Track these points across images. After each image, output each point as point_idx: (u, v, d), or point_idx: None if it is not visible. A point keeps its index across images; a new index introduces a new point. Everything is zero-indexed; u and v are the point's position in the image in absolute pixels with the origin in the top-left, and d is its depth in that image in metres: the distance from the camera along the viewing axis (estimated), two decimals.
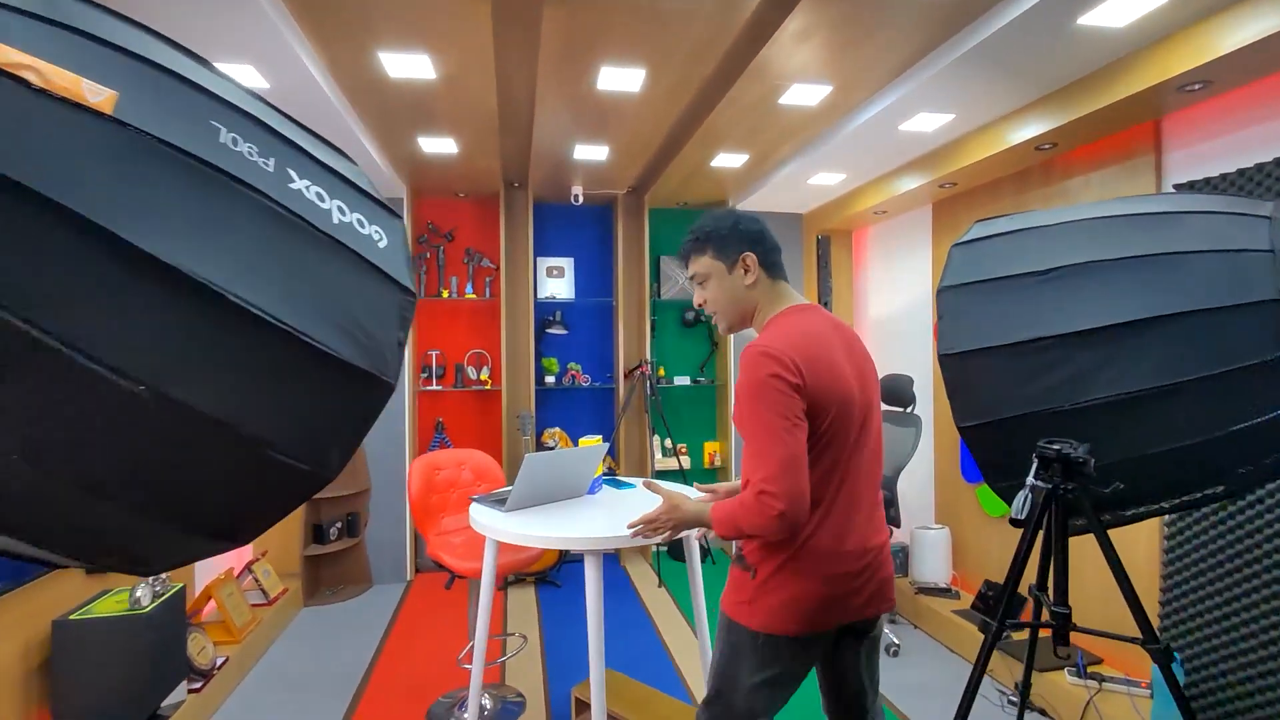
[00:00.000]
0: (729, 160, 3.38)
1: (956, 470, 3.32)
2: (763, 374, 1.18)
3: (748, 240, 1.34)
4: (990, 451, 1.49)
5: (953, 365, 1.51)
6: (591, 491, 2.11)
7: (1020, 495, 1.22)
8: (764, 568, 1.26)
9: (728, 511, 1.20)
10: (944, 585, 3.24)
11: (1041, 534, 1.47)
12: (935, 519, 3.50)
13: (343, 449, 1.05)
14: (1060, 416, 1.36)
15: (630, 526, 1.45)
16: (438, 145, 3.11)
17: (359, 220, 1.10)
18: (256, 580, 3.15)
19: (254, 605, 3.09)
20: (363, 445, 3.89)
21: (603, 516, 1.85)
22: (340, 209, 1.08)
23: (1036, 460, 1.26)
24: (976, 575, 3.21)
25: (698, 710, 1.36)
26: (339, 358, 0.96)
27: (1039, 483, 1.25)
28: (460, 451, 2.61)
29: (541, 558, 3.64)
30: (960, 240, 1.68)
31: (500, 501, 1.94)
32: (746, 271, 1.33)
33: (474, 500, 2.02)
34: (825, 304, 4.21)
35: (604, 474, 2.13)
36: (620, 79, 2.42)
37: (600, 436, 2.22)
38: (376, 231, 1.12)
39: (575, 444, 4.41)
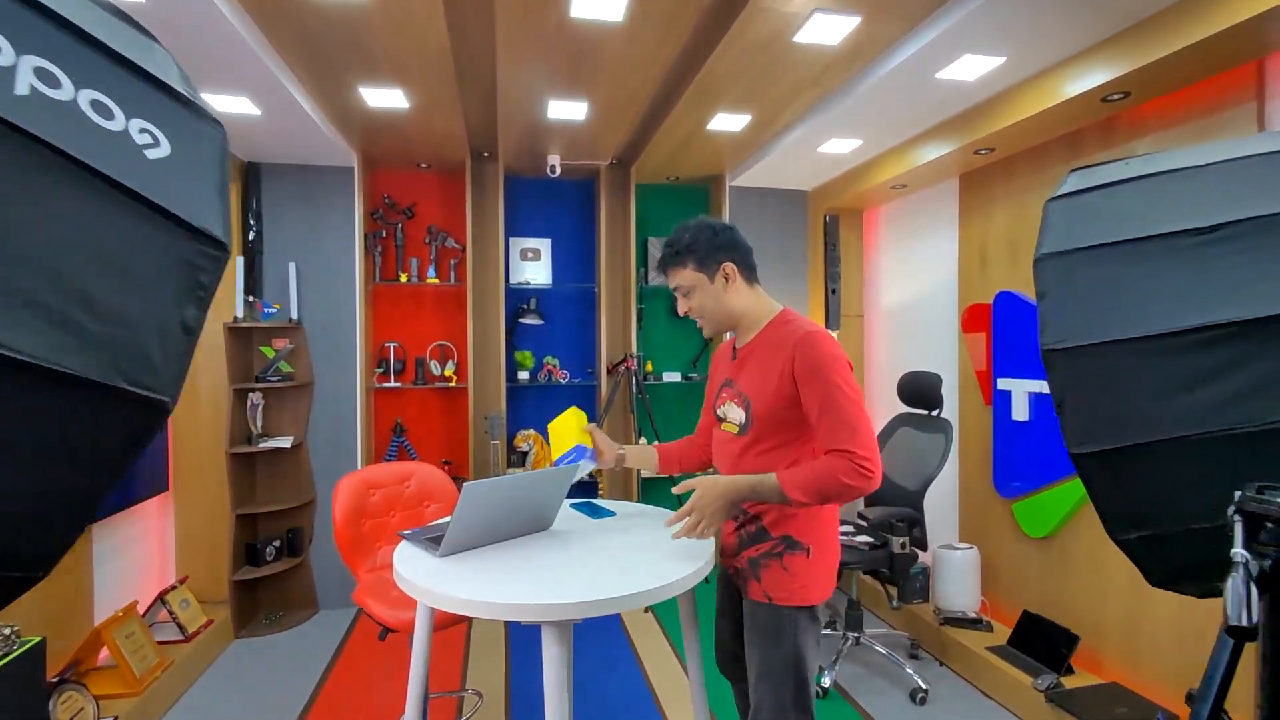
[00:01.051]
0: (728, 122, 2.92)
1: (986, 481, 2.90)
2: (841, 352, 1.32)
3: (725, 250, 1.42)
4: (1121, 491, 1.04)
5: (1063, 365, 1.07)
6: (561, 462, 1.67)
7: (1235, 583, 0.74)
8: (815, 542, 1.37)
9: (812, 478, 1.26)
10: (973, 615, 2.82)
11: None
12: (960, 537, 3.08)
13: (51, 535, 0.58)
14: (1239, 442, 0.92)
15: (670, 525, 1.41)
16: (384, 98, 2.62)
17: (117, 114, 0.63)
18: (171, 613, 2.67)
19: (165, 643, 2.61)
20: (305, 448, 3.43)
21: (573, 565, 1.39)
22: (95, 104, 0.61)
23: (1239, 520, 0.79)
24: (1010, 604, 2.79)
25: (789, 715, 1.34)
26: (16, 358, 0.50)
27: (1250, 557, 0.77)
28: (404, 465, 2.14)
29: None
30: (1057, 194, 1.25)
31: (436, 540, 1.48)
32: (728, 280, 1.42)
33: (403, 537, 1.55)
34: (833, 291, 3.76)
35: (580, 454, 1.68)
36: (599, 4, 1.94)
37: (575, 407, 1.79)
38: (147, 134, 0.64)
39: (547, 441, 3.96)
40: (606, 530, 1.64)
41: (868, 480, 1.24)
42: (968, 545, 2.91)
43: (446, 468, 3.58)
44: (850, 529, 2.73)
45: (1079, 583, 2.47)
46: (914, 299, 3.45)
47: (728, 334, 1.57)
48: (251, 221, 3.16)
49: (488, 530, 1.49)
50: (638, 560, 1.41)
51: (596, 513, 1.78)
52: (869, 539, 2.61)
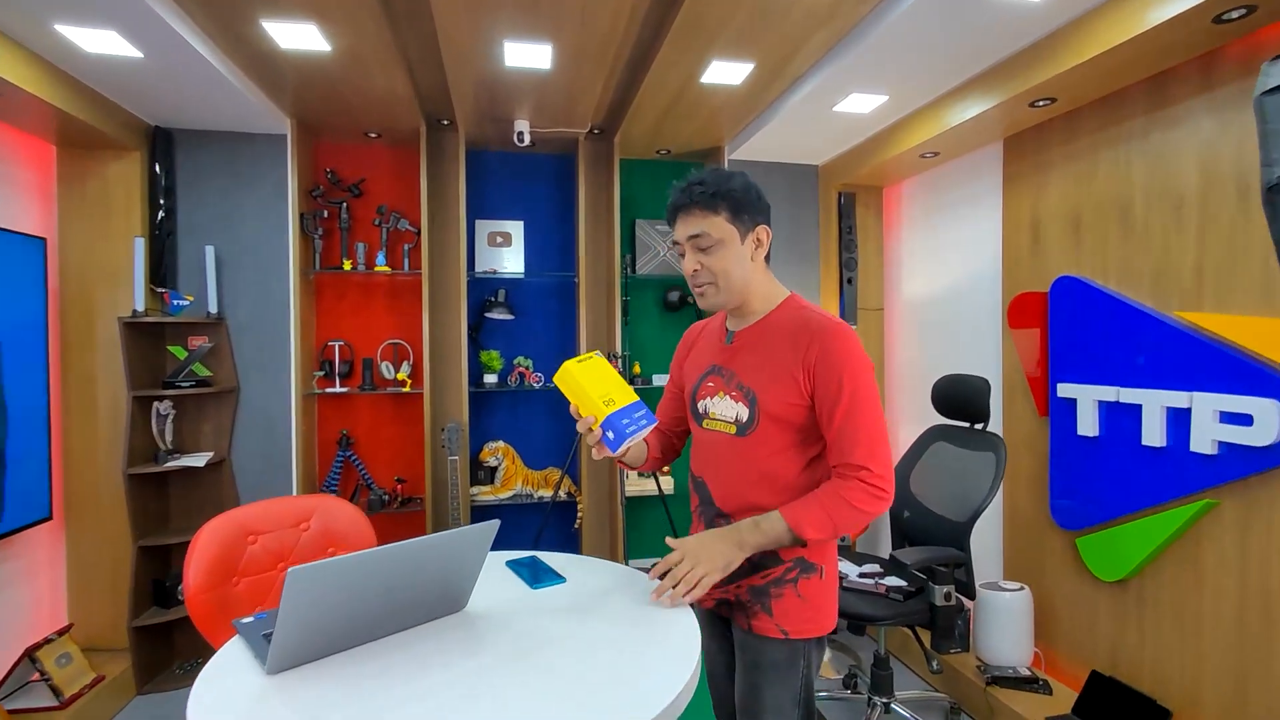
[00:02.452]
0: (726, 73, 2.41)
1: (1041, 508, 2.39)
2: (866, 357, 1.15)
3: (763, 212, 1.22)
4: None
5: None
6: (613, 442, 1.16)
7: None
8: (827, 559, 1.22)
9: (825, 511, 1.10)
10: (1025, 672, 2.31)
11: None
12: (1006, 574, 2.57)
13: None
14: None
15: (653, 582, 1.19)
16: (297, 36, 2.12)
17: None
18: (43, 673, 2.18)
19: (39, 711, 2.12)
20: (229, 466, 2.91)
21: (496, 685, 0.89)
22: None
23: None
24: (1072, 659, 2.28)
25: None
26: None
27: None
28: (299, 501, 1.64)
29: None
30: (1267, 89, 0.73)
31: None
32: (758, 247, 1.21)
33: (237, 629, 1.05)
34: (848, 281, 3.25)
35: (643, 415, 1.20)
36: None
37: (596, 351, 1.41)
38: None
39: (521, 461, 3.46)
40: (553, 610, 1.14)
41: (882, 504, 1.11)
42: (1017, 585, 2.40)
43: (400, 486, 3.09)
44: (876, 570, 2.22)
45: (1167, 639, 1.96)
46: (946, 289, 2.94)
47: (718, 312, 1.33)
48: (160, 198, 2.66)
49: (349, 628, 0.99)
50: (605, 670, 0.92)
51: (539, 576, 1.27)
52: (900, 583, 2.11)
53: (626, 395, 1.18)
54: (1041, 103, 2.18)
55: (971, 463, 2.16)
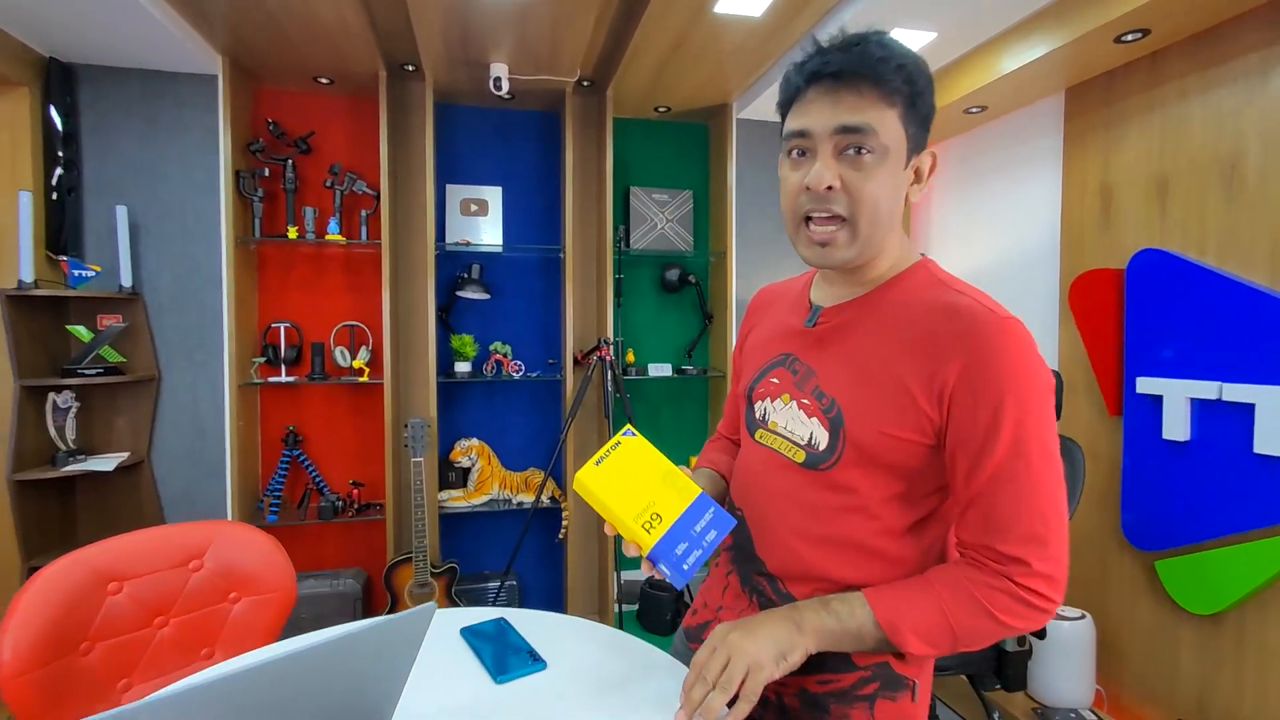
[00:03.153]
0: (739, 2, 2.00)
1: (1109, 525, 2.04)
2: (1048, 376, 0.69)
3: (929, 123, 0.76)
4: None
5: None
6: (674, 577, 0.75)
7: None
8: (923, 673, 0.80)
9: (941, 612, 0.69)
10: (1087, 715, 1.97)
11: None
12: (1065, 599, 2.22)
13: None
14: None
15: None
16: None
17: None
18: None
19: None
20: (148, 470, 2.41)
21: None
22: None
23: None
24: (1142, 699, 1.94)
25: None
26: None
27: None
28: (187, 530, 1.23)
29: None
30: None
31: None
32: (916, 182, 0.77)
33: None
34: None
35: (714, 516, 0.80)
36: None
37: (631, 425, 1.06)
38: None
39: (499, 461, 3.03)
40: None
41: (1043, 617, 0.69)
42: (1078, 613, 2.05)
43: (358, 491, 2.67)
44: None
45: (1276, 688, 1.62)
46: (985, 269, 2.57)
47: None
48: (58, 147, 2.20)
49: None
50: None
51: (506, 659, 0.88)
52: None
53: (679, 498, 0.78)
54: (1130, 36, 1.79)
55: None
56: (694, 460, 1.03)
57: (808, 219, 0.74)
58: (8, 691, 0.97)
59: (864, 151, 0.71)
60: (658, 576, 0.77)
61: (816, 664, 0.77)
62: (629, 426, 0.85)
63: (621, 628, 2.55)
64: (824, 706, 0.79)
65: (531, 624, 0.99)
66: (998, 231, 2.51)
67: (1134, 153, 1.97)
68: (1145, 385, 1.88)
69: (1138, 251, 1.92)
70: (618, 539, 0.80)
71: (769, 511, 0.82)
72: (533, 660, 0.87)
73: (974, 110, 2.38)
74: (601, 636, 0.97)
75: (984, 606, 0.68)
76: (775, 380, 0.85)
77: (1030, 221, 2.36)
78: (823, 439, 0.77)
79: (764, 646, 0.71)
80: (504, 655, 0.88)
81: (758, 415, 0.87)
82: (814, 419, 0.78)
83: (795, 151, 0.76)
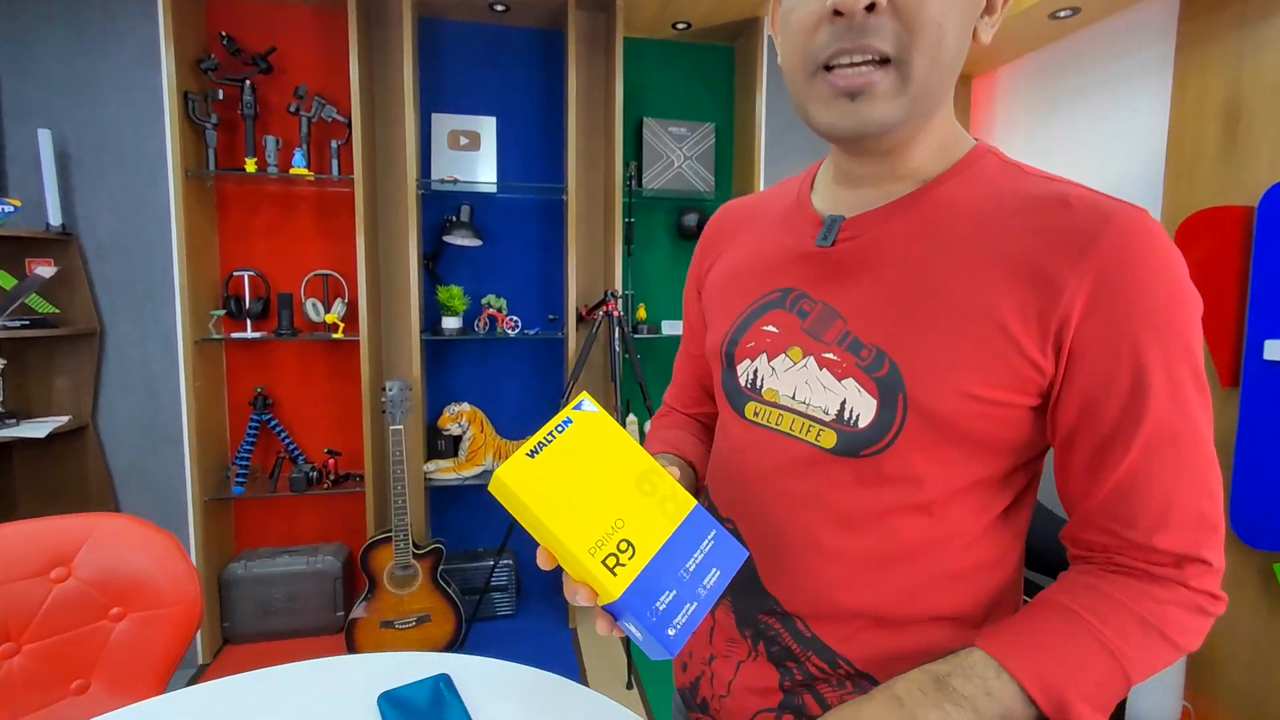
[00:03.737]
0: None
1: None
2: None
3: None
4: None
5: None
6: (649, 645, 0.46)
7: None
8: None
9: (1111, 656, 0.46)
10: None
11: None
12: None
13: None
14: None
15: None
16: None
17: None
18: None
19: None
20: (93, 435, 1.92)
21: None
22: None
23: None
24: (1239, 718, 1.65)
25: None
26: None
27: None
28: (55, 525, 0.93)
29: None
30: None
31: None
32: (989, 10, 0.51)
33: None
34: None
35: (717, 541, 0.50)
36: None
37: (590, 398, 0.66)
38: None
39: (493, 429, 2.72)
40: None
41: (1209, 622, 0.49)
42: None
43: (334, 461, 2.39)
44: None
45: None
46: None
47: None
48: None
49: None
50: None
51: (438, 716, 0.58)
52: None
53: (663, 514, 0.49)
54: None
55: None
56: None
57: (829, 66, 0.49)
58: None
59: None
60: (619, 634, 0.49)
61: None
62: (585, 396, 0.52)
63: (632, 646, 2.29)
64: None
65: (483, 684, 0.69)
66: (1079, 168, 2.11)
67: (1274, 61, 1.56)
68: (1275, 350, 1.52)
69: (1274, 185, 1.53)
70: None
71: (780, 523, 0.56)
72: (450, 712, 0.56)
73: (1063, 14, 1.96)
74: (576, 705, 0.67)
75: (1159, 631, 0.47)
76: (772, 328, 0.58)
77: (1125, 151, 1.96)
78: (867, 410, 0.52)
79: None
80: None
81: (744, 383, 0.60)
82: (849, 380, 0.53)
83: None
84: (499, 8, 2.35)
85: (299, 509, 2.46)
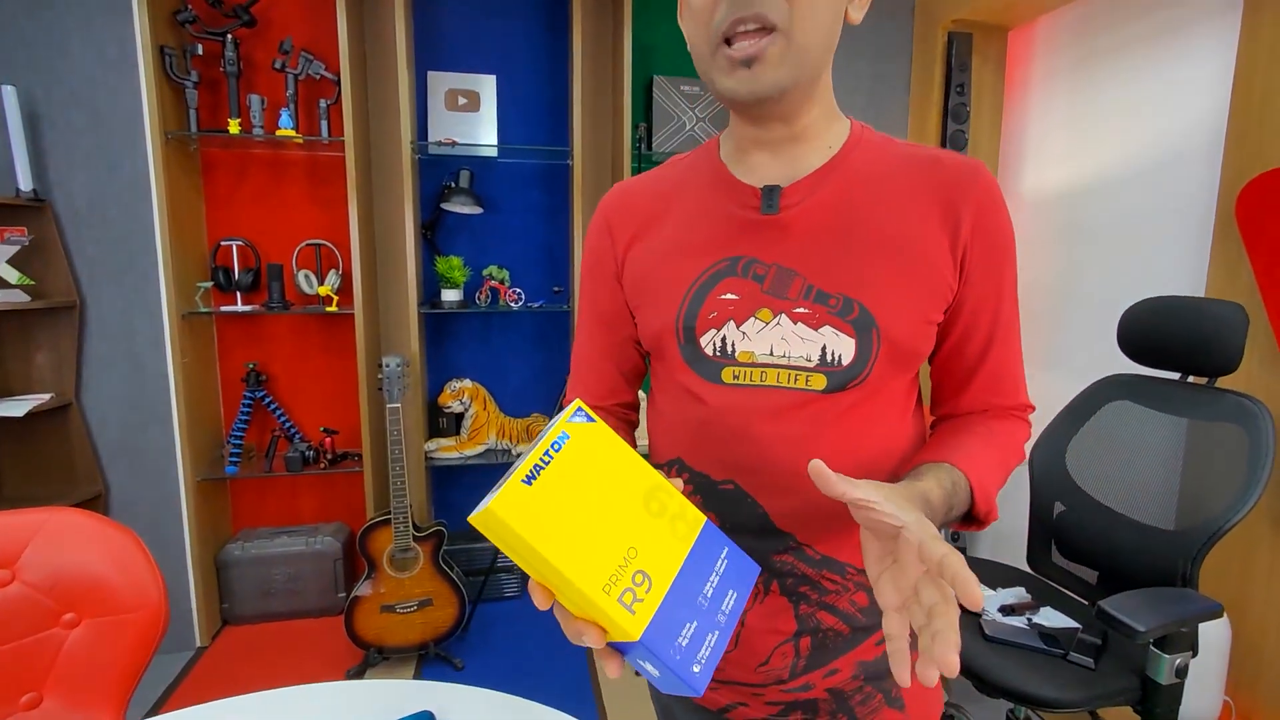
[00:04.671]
0: None
1: (1266, 502, 1.59)
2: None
3: None
4: None
5: None
6: (665, 681, 0.42)
7: None
8: None
9: (1004, 470, 0.65)
10: None
11: None
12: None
13: None
14: None
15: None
16: None
17: None
18: None
19: None
20: (77, 414, 1.79)
21: None
22: None
23: None
24: None
25: None
26: None
27: None
28: (7, 519, 0.83)
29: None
30: None
31: None
32: (853, 2, 0.63)
33: None
34: None
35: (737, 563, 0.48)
36: None
37: (583, 406, 0.63)
38: None
39: (496, 406, 2.61)
40: None
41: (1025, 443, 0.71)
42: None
43: (331, 440, 2.30)
44: (1022, 598, 1.45)
45: None
46: (1108, 175, 2.02)
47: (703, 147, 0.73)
48: None
49: None
50: None
51: None
52: (1068, 625, 1.34)
53: (675, 536, 0.46)
54: None
55: (1196, 440, 1.34)
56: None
57: (728, 39, 0.58)
58: None
59: None
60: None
61: (865, 626, 0.67)
62: (578, 404, 0.46)
63: None
64: (882, 672, 0.68)
65: (477, 710, 0.59)
66: (1128, 126, 1.94)
67: None
68: None
69: None
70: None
71: (780, 468, 0.62)
72: None
73: None
74: None
75: (1019, 445, 0.69)
76: (731, 295, 0.64)
77: (1181, 109, 1.79)
78: (847, 349, 0.61)
79: None
80: None
81: (710, 351, 0.64)
82: (825, 327, 0.61)
83: None
84: None
85: (297, 489, 2.38)
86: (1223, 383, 1.62)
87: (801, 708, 0.68)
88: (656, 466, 0.61)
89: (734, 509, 0.64)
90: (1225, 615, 1.63)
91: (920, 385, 0.71)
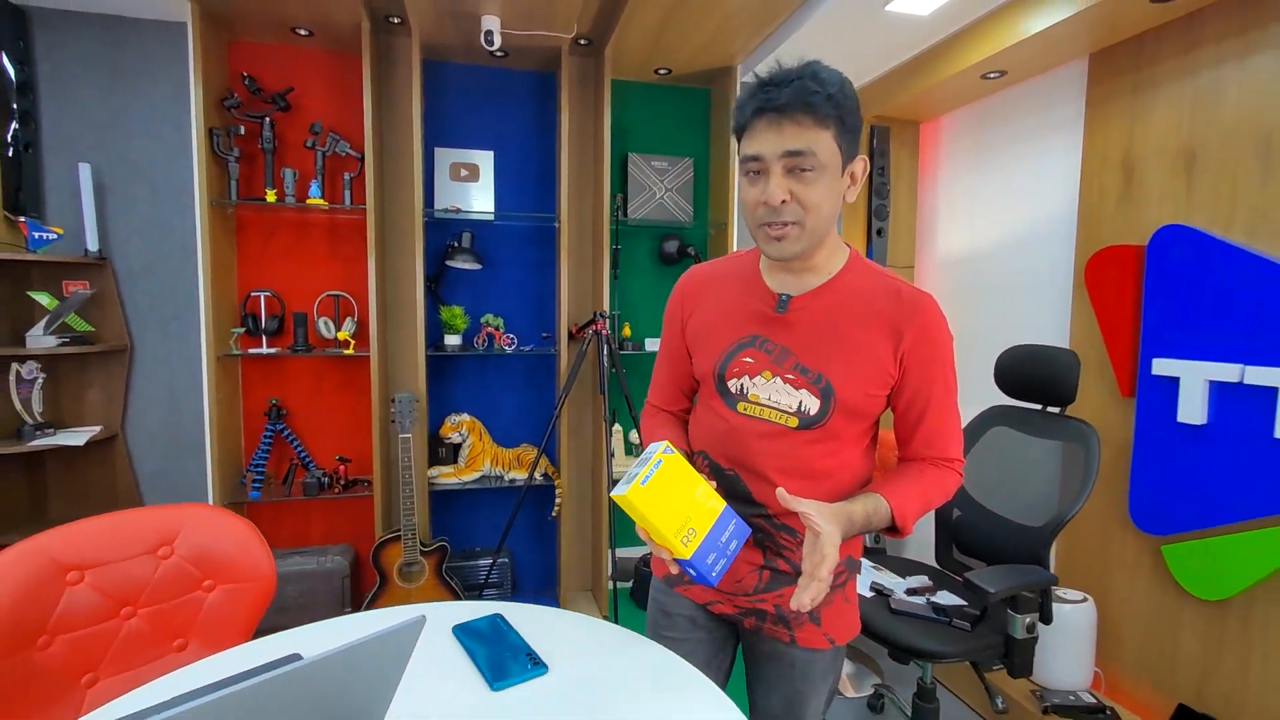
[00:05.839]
0: None
1: (1115, 508, 2.00)
2: (952, 342, 1.00)
3: (859, 136, 0.93)
4: None
5: None
6: (701, 578, 0.86)
7: None
8: (856, 554, 1.11)
9: (923, 504, 0.96)
10: (1088, 698, 1.96)
11: None
12: (1062, 581, 2.20)
13: None
14: None
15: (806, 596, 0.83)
16: None
17: None
18: None
19: None
20: (122, 444, 2.21)
21: None
22: None
23: None
24: (1141, 682, 1.93)
25: None
26: None
27: None
28: (152, 515, 1.14)
29: None
30: None
31: None
32: (852, 184, 0.94)
33: None
34: (878, 233, 2.78)
35: (735, 527, 0.93)
36: None
37: (669, 442, 1.04)
38: None
39: (490, 438, 2.97)
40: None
41: (960, 480, 1.03)
42: (1079, 595, 2.03)
43: (345, 467, 2.59)
44: (924, 584, 1.82)
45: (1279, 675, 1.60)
46: (997, 244, 2.48)
47: (739, 257, 1.11)
48: (12, 98, 2.04)
49: None
50: None
51: (503, 665, 0.81)
52: (957, 602, 1.70)
53: (710, 512, 0.88)
54: None
55: (1045, 454, 1.75)
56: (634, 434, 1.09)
57: (767, 225, 0.91)
58: None
59: (806, 170, 0.87)
60: (685, 577, 0.98)
61: (798, 572, 1.00)
62: (667, 443, 0.89)
63: (616, 604, 2.51)
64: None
65: (528, 621, 0.92)
66: (1007, 205, 2.42)
67: (1161, 123, 1.88)
68: (1162, 367, 1.82)
69: (1160, 227, 1.84)
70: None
71: (765, 467, 0.98)
72: (533, 665, 0.80)
73: (992, 75, 2.27)
74: (604, 636, 0.91)
75: (945, 490, 1.00)
76: (749, 359, 0.99)
77: (1046, 195, 2.27)
78: (813, 405, 0.95)
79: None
80: (501, 658, 0.81)
81: (734, 390, 1.01)
82: (803, 390, 0.96)
83: (751, 172, 0.91)
84: (499, 53, 2.59)
85: (310, 512, 2.64)
86: (1073, 411, 2.06)
87: (755, 614, 1.05)
88: (692, 451, 1.07)
89: (733, 486, 1.01)
90: (1090, 600, 2.02)
91: (875, 433, 1.05)
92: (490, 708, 0.74)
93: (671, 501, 0.82)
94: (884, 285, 0.97)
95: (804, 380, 0.95)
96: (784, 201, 0.87)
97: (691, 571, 0.83)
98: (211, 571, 1.15)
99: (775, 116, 0.86)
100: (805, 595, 0.80)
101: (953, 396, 1.00)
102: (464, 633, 0.86)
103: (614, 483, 2.72)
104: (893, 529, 0.95)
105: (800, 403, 0.96)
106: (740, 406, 1.00)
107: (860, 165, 0.94)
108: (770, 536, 1.02)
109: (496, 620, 0.90)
